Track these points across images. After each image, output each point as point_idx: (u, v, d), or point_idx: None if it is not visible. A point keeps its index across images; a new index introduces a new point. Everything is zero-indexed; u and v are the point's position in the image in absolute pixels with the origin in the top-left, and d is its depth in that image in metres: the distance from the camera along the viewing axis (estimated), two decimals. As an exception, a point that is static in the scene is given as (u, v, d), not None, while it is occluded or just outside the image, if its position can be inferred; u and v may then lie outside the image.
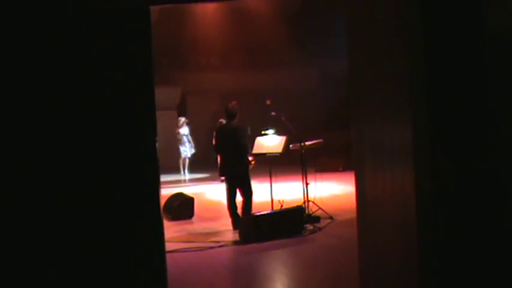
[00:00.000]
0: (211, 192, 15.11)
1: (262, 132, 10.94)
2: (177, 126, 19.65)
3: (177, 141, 19.48)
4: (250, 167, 10.09)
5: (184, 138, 19.28)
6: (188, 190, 13.55)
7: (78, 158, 3.13)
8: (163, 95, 17.27)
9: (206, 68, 23.93)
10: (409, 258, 3.93)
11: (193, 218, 11.36)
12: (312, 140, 10.97)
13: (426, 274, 3.77)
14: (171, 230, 9.87)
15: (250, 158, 10.13)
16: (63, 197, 3.11)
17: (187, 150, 19.42)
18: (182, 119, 19.84)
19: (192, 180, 18.79)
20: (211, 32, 22.83)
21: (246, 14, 22.73)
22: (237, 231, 9.37)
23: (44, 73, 3.10)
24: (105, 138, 3.19)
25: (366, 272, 4.69)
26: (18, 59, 3.08)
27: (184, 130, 19.47)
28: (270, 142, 10.62)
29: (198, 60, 24.17)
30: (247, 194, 9.92)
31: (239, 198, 9.98)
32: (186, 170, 19.68)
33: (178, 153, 19.69)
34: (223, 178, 11.42)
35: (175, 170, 19.75)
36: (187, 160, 19.62)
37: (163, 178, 15.09)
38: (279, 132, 11.23)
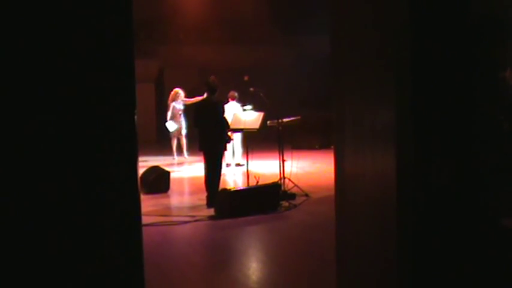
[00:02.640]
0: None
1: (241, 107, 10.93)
2: (171, 99, 15.91)
3: (171, 117, 15.82)
4: (229, 143, 10.11)
5: (180, 114, 15.52)
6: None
7: (53, 130, 3.07)
8: (141, 67, 16.92)
9: (185, 41, 23.77)
10: (387, 237, 3.94)
11: (169, 192, 11.34)
12: (289, 117, 10.99)
13: (404, 253, 3.80)
14: (147, 203, 9.84)
15: (229, 134, 10.13)
16: (36, 171, 3.05)
17: (183, 127, 15.64)
18: (178, 91, 15.95)
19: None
20: (190, 6, 22.63)
21: (226, -12, 22.58)
22: (212, 208, 9.38)
23: (16, 48, 3.02)
24: (82, 110, 3.13)
25: (342, 249, 4.70)
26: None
27: (180, 104, 15.66)
28: (248, 118, 10.62)
29: (176, 34, 23.98)
30: (218, 169, 9.92)
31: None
32: (185, 151, 15.98)
33: (171, 132, 15.95)
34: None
35: (150, 144, 19.40)
36: (184, 139, 15.88)
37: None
38: (256, 108, 11.23)
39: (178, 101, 15.61)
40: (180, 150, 16.05)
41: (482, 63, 3.75)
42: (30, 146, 3.01)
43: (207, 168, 9.94)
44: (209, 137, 9.84)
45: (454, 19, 3.72)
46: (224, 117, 9.99)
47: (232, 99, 14.05)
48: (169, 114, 15.77)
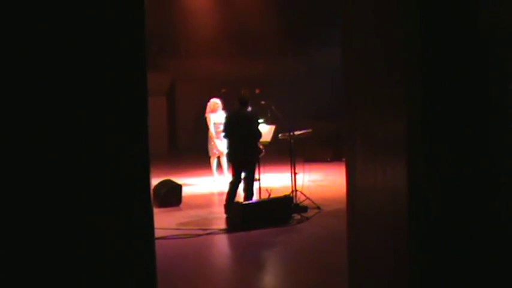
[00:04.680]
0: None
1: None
2: (211, 110, 13.18)
3: (207, 132, 13.25)
4: (261, 154, 10.16)
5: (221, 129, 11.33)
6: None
7: (66, 144, 3.10)
8: (153, 81, 16.80)
9: (196, 55, 23.82)
10: (398, 249, 3.94)
11: (181, 205, 11.34)
12: (301, 130, 10.98)
13: (415, 266, 3.79)
14: (159, 216, 9.83)
15: (260, 146, 10.19)
16: (47, 183, 3.08)
17: (223, 144, 12.11)
18: (217, 101, 13.25)
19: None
20: (201, 19, 22.71)
21: (237, 1, 22.65)
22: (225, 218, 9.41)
23: (29, 55, 3.05)
24: (94, 123, 3.15)
25: (354, 262, 4.69)
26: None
27: (220, 117, 12.47)
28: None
29: (188, 47, 24.05)
30: (251, 180, 10.00)
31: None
32: (226, 171, 12.81)
33: (211, 149, 13.29)
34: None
35: (162, 157, 19.33)
36: (225, 158, 12.45)
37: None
38: (268, 121, 11.23)
39: (218, 112, 12.94)
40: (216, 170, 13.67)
41: (492, 73, 3.75)
42: (44, 159, 3.04)
43: (235, 179, 9.96)
44: (243, 149, 9.88)
45: (462, 29, 3.72)
46: (259, 130, 10.07)
47: None
48: (212, 128, 13.06)
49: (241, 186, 10.03)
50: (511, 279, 3.78)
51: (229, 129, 10.12)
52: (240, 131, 9.89)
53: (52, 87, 3.05)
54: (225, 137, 10.31)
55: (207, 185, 13.89)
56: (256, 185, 10.16)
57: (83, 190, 3.11)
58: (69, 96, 3.07)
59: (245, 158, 9.93)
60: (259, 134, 10.03)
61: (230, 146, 10.10)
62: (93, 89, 3.11)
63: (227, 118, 10.23)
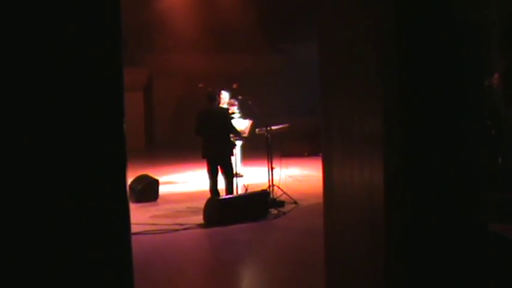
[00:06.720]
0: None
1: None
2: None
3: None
4: (235, 148, 10.18)
5: None
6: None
7: (41, 140, 3.07)
8: (130, 76, 16.73)
9: (173, 49, 23.75)
10: (375, 243, 3.96)
11: (158, 200, 11.31)
12: (278, 125, 10.98)
13: (392, 259, 3.81)
14: (135, 212, 9.79)
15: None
16: (22, 179, 3.05)
17: None
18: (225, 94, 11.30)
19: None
20: (178, 14, 22.62)
21: (214, -4, 22.61)
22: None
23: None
24: (70, 119, 3.12)
25: (331, 257, 4.72)
26: None
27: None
28: (236, 126, 10.62)
29: (165, 42, 23.96)
30: (231, 174, 10.00)
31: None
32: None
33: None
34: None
35: (139, 152, 19.25)
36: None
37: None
38: (245, 116, 11.21)
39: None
40: None
41: (467, 71, 3.79)
42: (20, 155, 3.01)
43: (213, 176, 9.95)
44: (216, 144, 9.85)
45: (439, 28, 3.75)
46: (232, 124, 10.04)
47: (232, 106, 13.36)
48: None
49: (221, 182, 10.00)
50: (485, 271, 3.82)
51: (201, 126, 9.98)
52: (212, 127, 9.84)
53: (26, 83, 3.02)
54: (197, 134, 10.12)
55: (185, 181, 13.88)
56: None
57: (58, 187, 3.08)
58: (43, 92, 3.04)
59: (220, 153, 9.90)
60: (233, 129, 10.00)
61: (204, 143, 9.99)
62: (68, 85, 3.09)
63: (198, 115, 10.13)
